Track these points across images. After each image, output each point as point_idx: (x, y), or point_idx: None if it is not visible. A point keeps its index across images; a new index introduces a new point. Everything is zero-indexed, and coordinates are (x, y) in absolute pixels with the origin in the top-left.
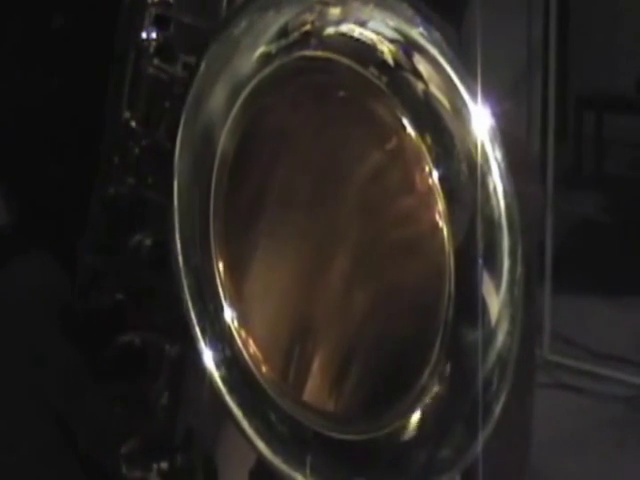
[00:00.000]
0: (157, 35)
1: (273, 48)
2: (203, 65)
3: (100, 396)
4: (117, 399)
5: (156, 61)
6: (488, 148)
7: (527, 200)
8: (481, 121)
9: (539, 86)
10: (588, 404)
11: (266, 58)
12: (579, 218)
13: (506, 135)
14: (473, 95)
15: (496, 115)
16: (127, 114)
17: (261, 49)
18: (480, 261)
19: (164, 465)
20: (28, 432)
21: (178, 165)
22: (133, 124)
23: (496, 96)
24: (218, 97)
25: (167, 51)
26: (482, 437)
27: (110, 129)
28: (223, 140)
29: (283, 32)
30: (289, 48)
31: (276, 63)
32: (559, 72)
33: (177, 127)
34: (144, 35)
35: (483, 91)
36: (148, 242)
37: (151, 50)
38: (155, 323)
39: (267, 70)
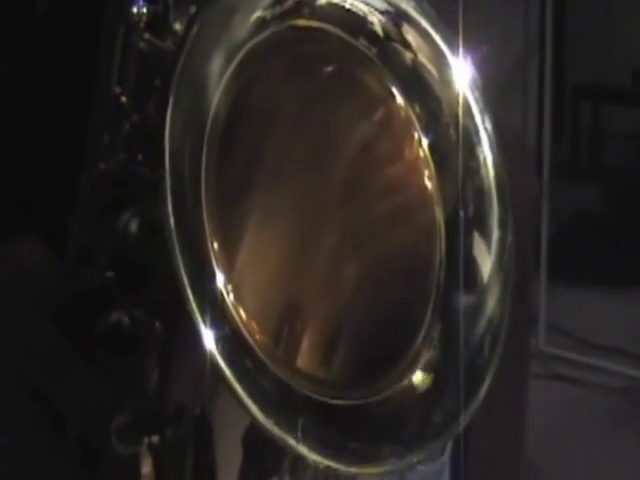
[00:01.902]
0: (147, 9)
1: (268, 14)
2: (195, 29)
3: (87, 374)
4: (106, 377)
5: (147, 35)
6: (477, 119)
7: (523, 191)
8: (463, 73)
9: (535, 77)
10: (583, 395)
11: (261, 23)
12: (575, 209)
13: (501, 125)
14: (454, 50)
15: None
16: (117, 89)
17: (257, 13)
18: (463, 216)
19: (155, 439)
20: (15, 412)
21: (169, 138)
22: (123, 99)
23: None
24: (212, 60)
25: (158, 25)
26: (471, 404)
27: (100, 104)
28: (216, 103)
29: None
30: (282, 16)
31: (269, 30)
32: (555, 63)
33: (168, 97)
34: (134, 9)
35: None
36: (138, 218)
37: (142, 24)
38: (144, 300)
39: (261, 36)
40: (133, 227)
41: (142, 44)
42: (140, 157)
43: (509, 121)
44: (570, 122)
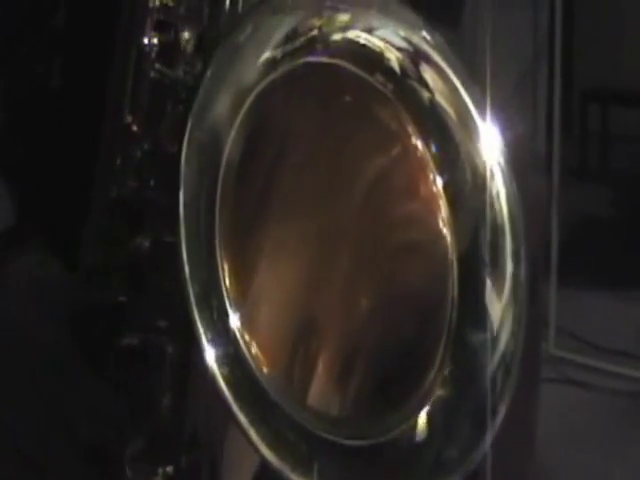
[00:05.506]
0: (158, 40)
1: (279, 53)
2: (209, 72)
3: (102, 394)
4: (119, 400)
5: (157, 65)
6: (492, 155)
7: (532, 195)
8: (491, 141)
9: (544, 80)
10: (593, 399)
11: (272, 63)
12: (584, 212)
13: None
14: (481, 111)
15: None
16: (129, 118)
17: (266, 54)
18: (484, 265)
19: (169, 469)
20: (29, 430)
21: (184, 173)
22: (135, 128)
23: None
24: (223, 103)
25: (168, 55)
26: (489, 438)
27: (111, 132)
28: (229, 147)
29: (290, 37)
30: (294, 53)
31: (281, 69)
32: (564, 65)
33: (182, 133)
34: (145, 40)
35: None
36: (150, 243)
37: (153, 54)
38: (157, 324)
39: (272, 76)
40: (145, 252)
41: (153, 73)
42: (152, 183)
43: (518, 124)
44: (579, 125)
